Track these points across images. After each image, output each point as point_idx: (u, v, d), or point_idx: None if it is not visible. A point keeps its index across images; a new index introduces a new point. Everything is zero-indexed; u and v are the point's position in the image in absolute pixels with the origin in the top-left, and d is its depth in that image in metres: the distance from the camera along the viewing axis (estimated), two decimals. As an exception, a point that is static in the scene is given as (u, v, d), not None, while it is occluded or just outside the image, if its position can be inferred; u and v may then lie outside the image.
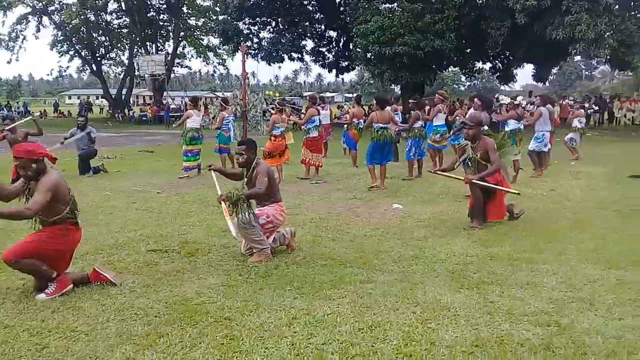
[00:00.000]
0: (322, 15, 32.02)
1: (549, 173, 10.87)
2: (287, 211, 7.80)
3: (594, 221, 6.72)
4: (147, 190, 9.46)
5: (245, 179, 5.36)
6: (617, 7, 21.60)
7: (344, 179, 10.63)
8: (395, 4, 23.91)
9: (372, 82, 62.12)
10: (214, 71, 49.99)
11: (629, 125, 27.20)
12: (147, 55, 35.62)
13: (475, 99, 8.46)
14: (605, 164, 12.54)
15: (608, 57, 20.78)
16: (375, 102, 8.72)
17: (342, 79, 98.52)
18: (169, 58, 37.17)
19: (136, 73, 35.64)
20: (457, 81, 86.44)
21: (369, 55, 23.64)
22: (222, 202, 5.00)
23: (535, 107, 10.42)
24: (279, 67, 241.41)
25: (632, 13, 20.93)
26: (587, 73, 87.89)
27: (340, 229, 6.48)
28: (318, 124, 10.04)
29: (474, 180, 6.15)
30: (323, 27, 33.41)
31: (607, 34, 19.18)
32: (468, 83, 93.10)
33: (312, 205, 8.04)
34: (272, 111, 9.67)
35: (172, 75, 39.32)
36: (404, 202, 8.21)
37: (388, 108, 9.37)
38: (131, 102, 48.61)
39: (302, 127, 10.34)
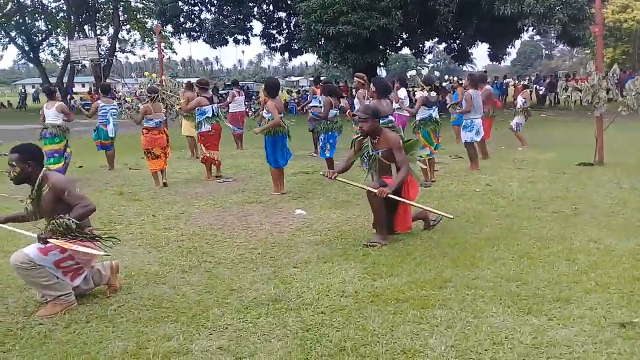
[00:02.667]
0: (268, -6, 30.22)
1: (489, 163, 9.62)
2: (165, 222, 6.41)
3: (525, 228, 5.42)
4: (13, 196, 7.80)
5: (29, 200, 3.86)
6: (567, -21, 20.46)
7: (258, 175, 9.26)
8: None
9: (336, 65, 60.43)
10: (167, 57, 47.56)
11: (577, 106, 26.06)
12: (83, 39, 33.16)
13: (371, 85, 7.00)
14: (553, 149, 11.38)
15: (558, 32, 19.59)
16: (264, 87, 7.16)
17: (306, 62, 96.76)
18: (108, 43, 34.76)
19: (71, 59, 33.13)
20: (420, 63, 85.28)
21: (313, 35, 22.02)
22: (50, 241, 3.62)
23: (464, 89, 8.97)
24: (242, 52, 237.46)
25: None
26: (547, 52, 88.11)
27: (207, 251, 5.04)
28: (210, 115, 8.37)
29: (390, 195, 4.83)
30: (271, 7, 31.57)
31: (557, 8, 17.95)
32: (431, 65, 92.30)
33: (199, 213, 6.62)
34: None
35: (116, 61, 36.84)
36: (312, 204, 6.90)
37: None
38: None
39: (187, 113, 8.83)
